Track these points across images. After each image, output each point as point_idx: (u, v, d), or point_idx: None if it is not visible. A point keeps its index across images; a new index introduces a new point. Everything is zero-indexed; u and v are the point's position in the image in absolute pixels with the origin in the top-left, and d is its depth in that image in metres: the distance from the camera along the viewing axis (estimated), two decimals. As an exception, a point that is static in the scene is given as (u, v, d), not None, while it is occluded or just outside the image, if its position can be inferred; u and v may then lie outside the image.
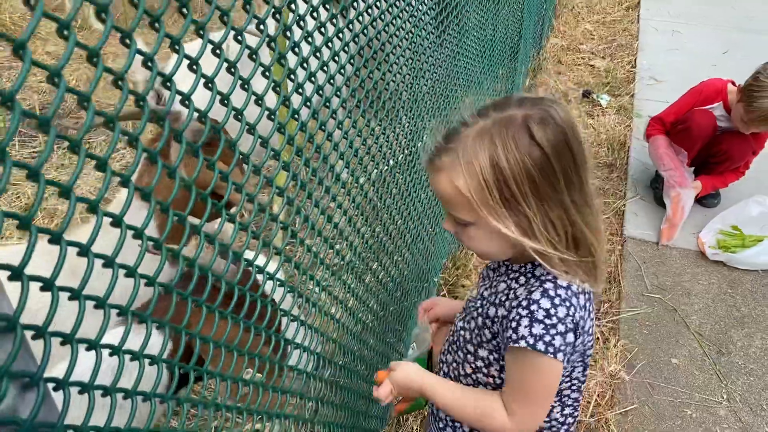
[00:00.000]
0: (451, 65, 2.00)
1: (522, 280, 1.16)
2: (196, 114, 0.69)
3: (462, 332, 1.29)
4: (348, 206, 1.27)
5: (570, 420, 1.31)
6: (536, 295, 1.08)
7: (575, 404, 1.30)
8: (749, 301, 2.95)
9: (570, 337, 1.07)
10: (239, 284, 0.86)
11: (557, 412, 1.30)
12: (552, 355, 1.06)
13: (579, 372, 1.25)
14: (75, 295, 0.56)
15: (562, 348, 1.07)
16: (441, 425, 1.39)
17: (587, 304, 1.13)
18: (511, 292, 1.15)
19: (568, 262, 1.09)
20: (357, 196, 1.32)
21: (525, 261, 1.17)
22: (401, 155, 1.63)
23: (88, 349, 0.61)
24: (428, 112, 1.80)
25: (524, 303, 1.08)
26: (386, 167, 1.52)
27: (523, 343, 1.07)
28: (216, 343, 0.85)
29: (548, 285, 1.09)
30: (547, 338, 1.06)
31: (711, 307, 2.91)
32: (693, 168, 3.56)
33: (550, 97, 1.07)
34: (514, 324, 1.09)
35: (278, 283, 1.00)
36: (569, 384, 1.27)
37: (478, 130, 1.05)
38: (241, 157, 0.83)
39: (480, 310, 1.23)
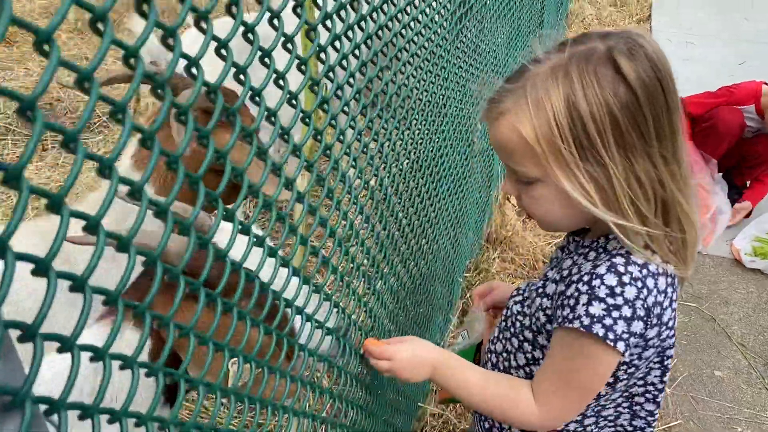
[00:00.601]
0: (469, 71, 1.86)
1: (591, 255, 0.98)
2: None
3: (519, 317, 1.11)
4: (366, 205, 1.11)
5: None
6: (601, 269, 0.90)
7: (649, 418, 1.10)
8: (793, 310, 2.77)
9: (638, 325, 0.89)
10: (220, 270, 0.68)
11: (625, 420, 1.10)
12: (611, 342, 0.88)
13: (656, 376, 1.05)
14: (78, 283, 0.43)
15: (625, 336, 0.89)
16: (486, 425, 1.20)
17: (668, 290, 0.94)
18: (575, 267, 0.98)
19: (652, 235, 0.90)
20: (374, 195, 1.16)
21: (599, 234, 0.99)
22: (422, 153, 1.48)
23: (92, 359, 0.49)
24: (447, 108, 1.66)
25: (585, 278, 0.91)
26: (407, 163, 1.37)
27: (576, 324, 0.90)
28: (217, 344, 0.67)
29: (618, 260, 0.91)
30: (608, 321, 0.88)
31: (752, 317, 2.73)
32: (722, 173, 3.40)
33: (637, 30, 0.90)
34: (571, 301, 0.92)
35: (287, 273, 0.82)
36: (643, 390, 1.07)
37: (550, 66, 0.88)
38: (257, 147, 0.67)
39: (540, 290, 1.05)
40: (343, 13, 0.84)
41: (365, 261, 1.13)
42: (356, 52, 0.93)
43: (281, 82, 0.71)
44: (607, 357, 0.91)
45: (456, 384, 1.04)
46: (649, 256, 0.91)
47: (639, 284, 0.89)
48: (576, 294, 0.91)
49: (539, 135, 0.87)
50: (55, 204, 0.41)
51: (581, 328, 0.89)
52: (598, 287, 0.89)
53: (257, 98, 0.67)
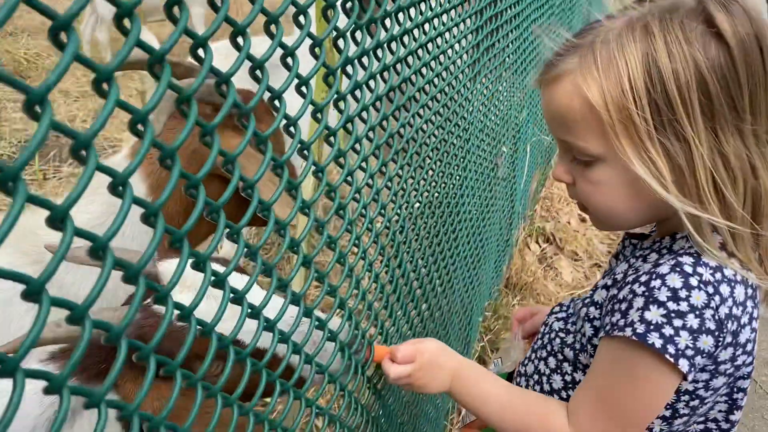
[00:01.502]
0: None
1: (652, 257, 0.83)
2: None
3: (561, 334, 0.96)
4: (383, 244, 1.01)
5: None
6: (663, 269, 0.75)
7: None
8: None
9: (706, 341, 0.73)
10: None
11: None
12: (671, 358, 0.72)
13: (720, 411, 0.88)
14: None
15: (689, 353, 0.73)
16: None
17: (748, 303, 0.78)
18: (631, 270, 0.83)
19: (735, 233, 0.75)
20: (400, 230, 1.07)
21: (664, 234, 0.85)
22: (442, 191, 1.39)
23: None
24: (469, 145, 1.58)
25: (643, 278, 0.76)
26: (431, 200, 1.28)
27: (628, 331, 0.74)
28: None
29: (685, 259, 0.76)
30: (668, 331, 0.72)
31: (796, 380, 2.54)
32: None
33: None
34: (623, 305, 0.77)
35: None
36: (702, 427, 0.89)
37: (627, 20, 0.76)
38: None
39: (588, 300, 0.90)
40: (365, 60, 0.78)
41: (377, 302, 1.02)
42: (377, 103, 0.85)
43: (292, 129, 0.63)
44: (663, 377, 0.75)
45: (477, 395, 0.89)
46: (725, 259, 0.76)
47: (710, 289, 0.74)
48: (630, 296, 0.76)
49: (608, 99, 0.74)
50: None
51: (633, 337, 0.74)
52: (658, 288, 0.74)
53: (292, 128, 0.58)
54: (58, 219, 0.38)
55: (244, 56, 0.53)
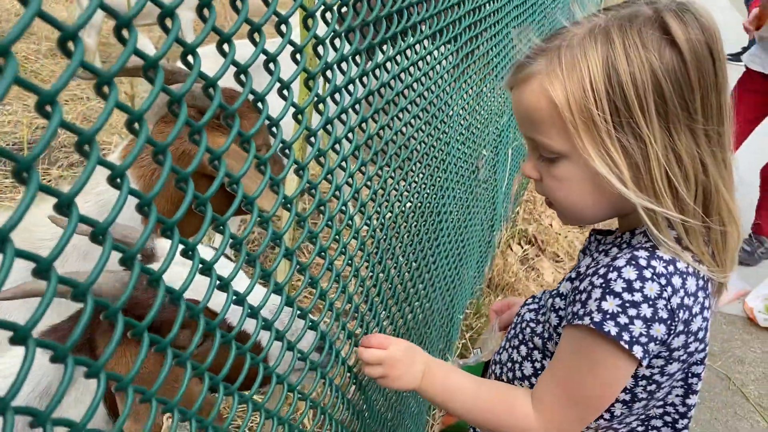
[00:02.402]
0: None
1: (613, 251, 0.90)
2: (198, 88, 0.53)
3: (531, 324, 1.01)
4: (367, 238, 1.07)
5: None
6: (620, 262, 0.81)
7: None
8: (812, 371, 2.67)
9: (659, 329, 0.79)
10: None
11: None
12: (625, 345, 0.78)
13: (677, 396, 0.93)
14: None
15: (643, 340, 0.78)
16: None
17: (699, 294, 0.83)
18: (593, 262, 0.89)
19: (688, 226, 0.81)
20: (383, 231, 1.13)
21: (625, 229, 0.91)
22: (426, 195, 1.45)
23: None
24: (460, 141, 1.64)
25: (601, 271, 0.82)
26: (412, 201, 1.34)
27: (586, 320, 0.80)
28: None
29: (641, 252, 0.81)
30: (623, 319, 0.78)
31: (769, 377, 2.62)
32: None
33: None
34: (583, 296, 0.83)
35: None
36: (661, 411, 0.95)
37: (589, 27, 0.82)
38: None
39: (554, 291, 0.96)
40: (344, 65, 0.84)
41: (361, 300, 1.08)
42: (356, 106, 0.92)
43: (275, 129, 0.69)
44: (619, 363, 0.80)
45: (445, 389, 0.94)
46: (680, 252, 0.82)
47: (663, 281, 0.79)
48: (589, 288, 0.82)
49: (571, 99, 0.79)
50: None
51: (591, 325, 0.79)
52: (615, 281, 0.80)
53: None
54: (65, 206, 0.43)
55: (230, 62, 0.58)
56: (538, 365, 0.99)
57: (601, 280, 0.81)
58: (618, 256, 0.84)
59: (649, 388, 0.89)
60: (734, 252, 0.87)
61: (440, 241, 1.67)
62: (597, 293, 0.81)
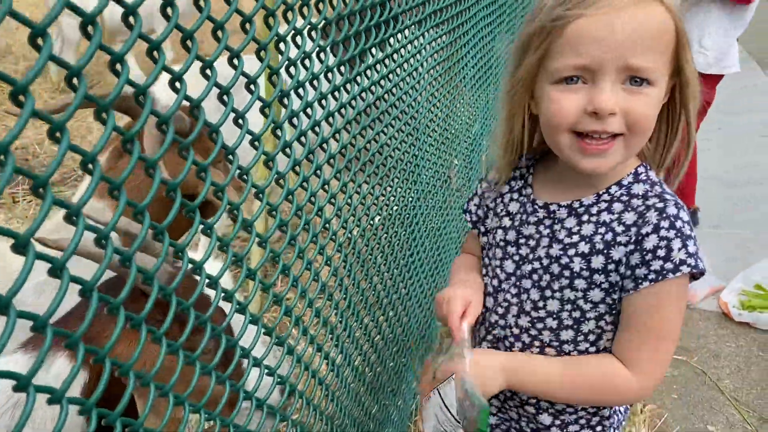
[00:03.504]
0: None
1: (638, 190, 1.03)
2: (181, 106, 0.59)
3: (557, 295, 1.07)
4: (345, 251, 1.16)
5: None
6: (672, 210, 0.96)
7: None
8: (785, 365, 2.79)
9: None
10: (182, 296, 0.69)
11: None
12: (704, 268, 0.95)
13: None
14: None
15: (703, 256, 0.96)
16: None
17: None
18: (632, 214, 1.00)
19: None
20: (350, 246, 1.21)
21: (609, 180, 1.04)
22: (402, 204, 1.53)
23: (15, 388, 0.47)
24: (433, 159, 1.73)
25: (665, 224, 0.95)
26: (383, 216, 1.42)
27: (685, 269, 0.92)
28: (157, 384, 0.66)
29: (669, 190, 1.02)
30: (700, 252, 0.94)
31: (744, 371, 2.74)
32: None
33: None
34: (661, 252, 0.94)
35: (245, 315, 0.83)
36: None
37: None
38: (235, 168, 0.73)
39: (570, 260, 1.04)
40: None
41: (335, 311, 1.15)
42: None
43: (241, 121, 0.77)
44: (688, 286, 0.98)
45: (538, 381, 1.03)
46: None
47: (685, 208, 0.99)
48: (663, 243, 0.94)
49: (680, 29, 0.94)
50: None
51: (693, 271, 0.93)
52: (683, 227, 0.94)
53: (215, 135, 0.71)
54: (73, 215, 0.51)
55: (212, 85, 0.66)
56: (558, 349, 1.07)
57: (673, 231, 0.94)
58: (657, 204, 0.98)
59: None
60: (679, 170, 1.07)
61: (413, 251, 1.74)
62: (678, 243, 0.93)
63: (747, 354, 2.85)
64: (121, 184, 0.56)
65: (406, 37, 1.45)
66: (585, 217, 1.04)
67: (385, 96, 1.35)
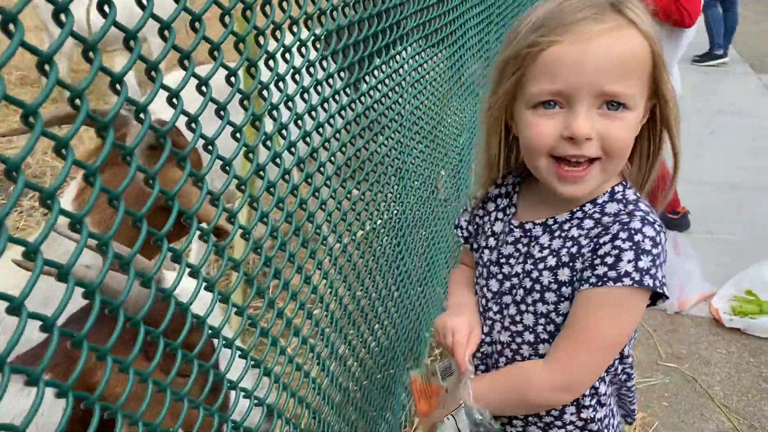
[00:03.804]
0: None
1: (612, 209, 1.02)
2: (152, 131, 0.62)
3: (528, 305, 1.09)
4: (330, 266, 1.17)
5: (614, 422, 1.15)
6: (636, 224, 0.96)
7: (632, 400, 1.16)
8: (775, 370, 2.80)
9: (662, 270, 0.97)
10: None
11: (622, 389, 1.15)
12: (659, 289, 0.94)
13: (629, 347, 1.10)
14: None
15: (664, 280, 0.95)
16: None
17: None
18: (596, 224, 1.02)
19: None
20: (340, 257, 1.22)
21: (591, 196, 1.05)
22: (387, 217, 1.54)
23: None
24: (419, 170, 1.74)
25: (623, 234, 0.95)
26: (374, 227, 1.42)
27: (627, 281, 0.93)
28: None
29: (642, 207, 1.00)
30: (657, 272, 0.94)
31: (734, 377, 2.75)
32: None
33: None
34: (609, 260, 0.95)
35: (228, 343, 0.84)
36: (622, 367, 1.12)
37: (634, 14, 0.96)
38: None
39: (540, 274, 1.05)
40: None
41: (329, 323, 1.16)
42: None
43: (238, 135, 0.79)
44: (642, 306, 0.97)
45: (489, 396, 1.06)
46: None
47: (659, 228, 0.97)
48: (615, 251, 0.95)
49: (656, 53, 0.94)
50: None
51: (634, 285, 0.93)
52: (642, 241, 0.94)
53: (210, 147, 0.73)
54: (77, 222, 0.52)
55: (207, 101, 0.69)
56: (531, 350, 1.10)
57: (629, 243, 0.94)
58: (624, 219, 0.98)
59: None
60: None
61: (399, 264, 1.75)
62: (629, 255, 0.93)
63: (738, 360, 2.86)
64: (82, 218, 0.57)
65: (394, 49, 1.47)
66: (557, 233, 1.06)
67: (374, 106, 1.36)
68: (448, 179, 2.24)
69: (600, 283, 0.95)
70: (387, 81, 1.45)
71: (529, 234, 1.09)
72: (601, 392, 1.10)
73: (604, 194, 1.05)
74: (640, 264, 0.93)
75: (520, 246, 1.10)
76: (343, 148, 1.22)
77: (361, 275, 1.46)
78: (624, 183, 1.06)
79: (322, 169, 1.13)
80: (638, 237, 0.94)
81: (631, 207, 1.02)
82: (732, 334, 3.03)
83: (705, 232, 3.89)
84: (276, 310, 1.00)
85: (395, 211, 1.66)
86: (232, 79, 0.78)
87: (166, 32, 0.65)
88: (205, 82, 0.72)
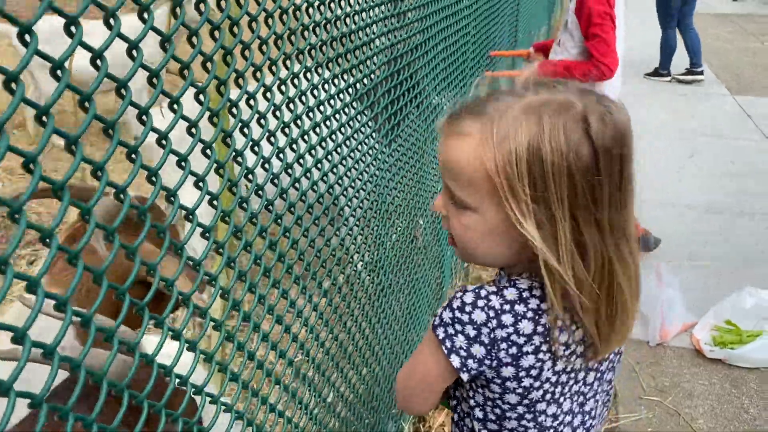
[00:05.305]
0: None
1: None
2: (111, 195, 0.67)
3: None
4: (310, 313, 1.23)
5: None
6: (469, 287, 1.02)
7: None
8: (757, 401, 2.87)
9: (478, 350, 0.99)
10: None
11: None
12: (445, 350, 1.00)
13: (530, 422, 1.07)
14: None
15: (462, 354, 0.99)
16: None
17: (535, 339, 0.99)
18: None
19: (582, 302, 0.95)
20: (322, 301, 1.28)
21: (509, 274, 1.07)
22: (369, 257, 1.61)
23: None
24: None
25: (459, 292, 1.03)
26: (354, 270, 1.49)
27: (435, 319, 1.04)
28: None
29: (489, 288, 1.01)
30: (450, 330, 1.00)
31: (717, 409, 2.81)
32: None
33: (615, 101, 0.97)
34: (440, 310, 1.05)
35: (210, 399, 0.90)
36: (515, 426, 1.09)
37: (525, 105, 0.94)
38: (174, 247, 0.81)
39: None
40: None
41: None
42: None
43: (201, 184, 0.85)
44: (437, 361, 1.04)
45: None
46: (557, 309, 0.96)
47: (491, 313, 0.98)
48: (444, 305, 1.05)
49: (499, 168, 0.91)
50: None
51: (432, 324, 1.04)
52: (457, 299, 1.01)
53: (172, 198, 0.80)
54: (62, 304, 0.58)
55: (198, 139, 0.75)
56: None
57: (452, 297, 1.03)
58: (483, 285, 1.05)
59: (495, 411, 1.08)
60: (622, 335, 1.02)
61: (379, 317, 1.79)
62: (446, 303, 1.03)
63: (720, 392, 2.91)
64: (68, 299, 0.64)
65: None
66: None
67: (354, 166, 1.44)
68: (426, 227, 2.31)
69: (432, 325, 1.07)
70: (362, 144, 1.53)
71: None
72: None
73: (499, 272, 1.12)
74: (444, 315, 1.03)
75: None
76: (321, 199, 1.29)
77: (344, 318, 1.51)
78: (503, 275, 1.08)
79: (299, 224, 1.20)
80: (458, 294, 1.02)
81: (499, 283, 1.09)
82: (713, 364, 3.08)
83: (687, 258, 3.96)
84: (256, 362, 1.06)
85: (369, 260, 1.72)
86: (193, 130, 0.81)
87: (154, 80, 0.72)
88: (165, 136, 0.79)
